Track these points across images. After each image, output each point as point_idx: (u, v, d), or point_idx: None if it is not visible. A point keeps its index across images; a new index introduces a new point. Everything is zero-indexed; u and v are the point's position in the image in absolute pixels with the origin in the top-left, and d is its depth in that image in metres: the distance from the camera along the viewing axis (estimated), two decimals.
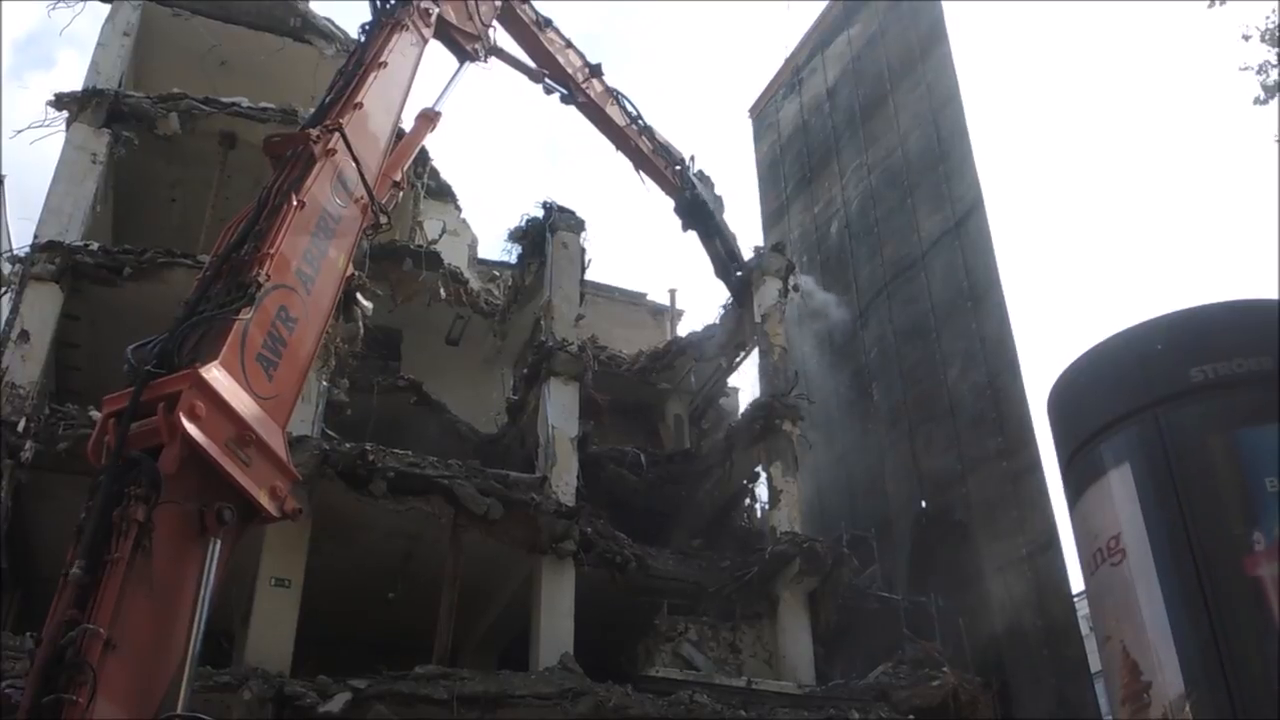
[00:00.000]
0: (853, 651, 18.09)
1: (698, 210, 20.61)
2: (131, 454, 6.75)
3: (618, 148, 19.21)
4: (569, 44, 17.62)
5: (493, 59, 15.05)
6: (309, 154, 9.12)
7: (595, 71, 18.21)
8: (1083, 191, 65.81)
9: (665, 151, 19.93)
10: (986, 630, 18.04)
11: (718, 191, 21.21)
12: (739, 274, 21.18)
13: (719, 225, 21.06)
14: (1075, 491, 15.07)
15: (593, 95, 18.20)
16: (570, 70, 17.65)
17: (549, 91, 17.43)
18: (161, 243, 17.10)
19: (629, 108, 19.11)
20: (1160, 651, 12.93)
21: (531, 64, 16.95)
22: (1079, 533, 15.12)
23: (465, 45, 13.81)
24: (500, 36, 15.52)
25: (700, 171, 20.74)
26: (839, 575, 17.59)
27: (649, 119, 19.50)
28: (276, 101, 19.15)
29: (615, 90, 18.81)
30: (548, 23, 17.10)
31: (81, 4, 20.02)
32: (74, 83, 18.53)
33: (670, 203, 20.50)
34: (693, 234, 21.02)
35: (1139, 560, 13.43)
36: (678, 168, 20.16)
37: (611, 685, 15.03)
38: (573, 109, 18.30)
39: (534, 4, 16.78)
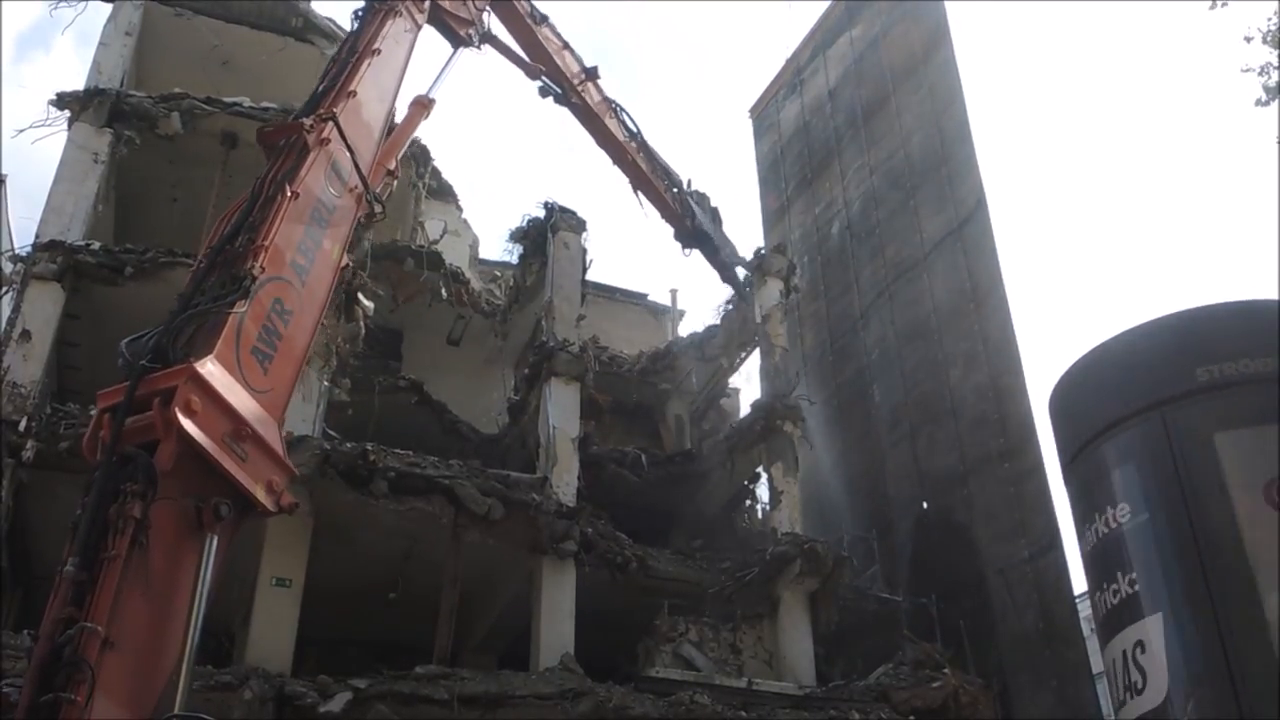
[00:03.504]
0: (853, 652, 18.09)
1: (699, 237, 20.48)
2: (127, 450, 6.67)
3: (614, 162, 18.91)
4: (566, 45, 17.33)
5: (487, 47, 14.74)
6: (303, 144, 8.99)
7: (591, 74, 17.83)
8: (1086, 193, 65.78)
9: (665, 174, 19.59)
10: (987, 632, 18.00)
11: (714, 204, 21.06)
12: (744, 274, 21.22)
13: (719, 244, 20.97)
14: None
15: (589, 101, 17.85)
16: (567, 73, 17.37)
17: (545, 94, 17.15)
18: (163, 242, 17.11)
19: (629, 123, 18.77)
20: None
21: (526, 58, 16.62)
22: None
23: (459, 31, 13.57)
24: (497, 30, 15.34)
25: (696, 191, 20.53)
26: (840, 576, 17.57)
27: (649, 139, 19.16)
28: (278, 101, 19.12)
29: (614, 102, 18.48)
30: (544, 19, 16.78)
31: (84, 3, 20.06)
32: (74, 78, 18.59)
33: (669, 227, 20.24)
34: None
35: None
36: (675, 191, 19.86)
37: (612, 686, 15.02)
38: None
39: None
